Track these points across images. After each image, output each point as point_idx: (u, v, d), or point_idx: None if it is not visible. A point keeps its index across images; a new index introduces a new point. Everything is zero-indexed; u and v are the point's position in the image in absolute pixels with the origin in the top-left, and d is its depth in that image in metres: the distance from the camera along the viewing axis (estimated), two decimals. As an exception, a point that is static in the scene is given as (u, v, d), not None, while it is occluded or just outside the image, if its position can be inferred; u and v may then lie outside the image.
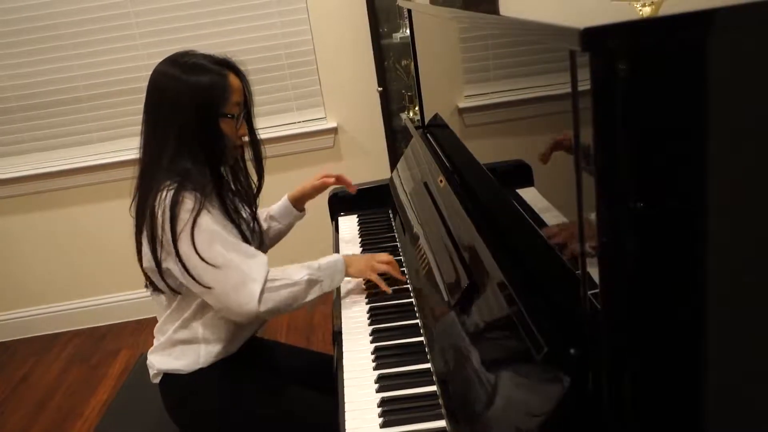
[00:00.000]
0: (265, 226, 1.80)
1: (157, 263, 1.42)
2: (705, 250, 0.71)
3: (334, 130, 3.13)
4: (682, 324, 0.74)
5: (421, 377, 1.22)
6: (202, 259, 1.38)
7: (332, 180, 1.89)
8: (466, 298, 1.13)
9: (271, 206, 1.88)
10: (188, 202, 1.38)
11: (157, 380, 1.58)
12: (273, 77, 3.03)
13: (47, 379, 2.91)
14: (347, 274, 1.57)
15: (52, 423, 2.59)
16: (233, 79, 1.48)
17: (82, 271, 3.26)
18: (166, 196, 1.39)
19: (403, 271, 1.64)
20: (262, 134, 1.62)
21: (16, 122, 3.05)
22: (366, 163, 3.17)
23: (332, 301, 1.62)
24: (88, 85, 3.01)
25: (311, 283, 1.48)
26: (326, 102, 3.11)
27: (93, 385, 2.81)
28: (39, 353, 3.14)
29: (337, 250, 1.92)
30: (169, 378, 1.55)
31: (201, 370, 1.53)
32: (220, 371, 1.55)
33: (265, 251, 1.69)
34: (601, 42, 0.62)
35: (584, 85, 0.68)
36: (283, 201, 1.87)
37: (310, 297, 1.50)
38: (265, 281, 1.42)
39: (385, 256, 1.62)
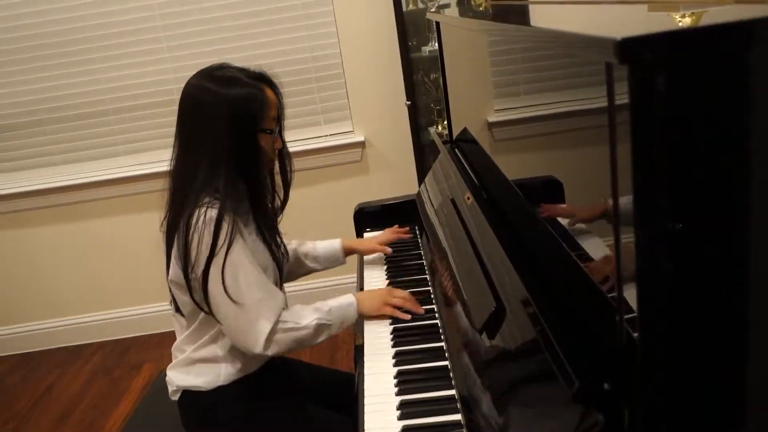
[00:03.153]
0: (290, 257, 1.76)
1: (186, 278, 1.40)
2: (750, 274, 0.66)
3: (361, 144, 3.10)
4: (727, 356, 0.68)
5: (445, 404, 1.16)
6: (225, 291, 1.37)
7: (389, 251, 1.86)
8: (492, 323, 1.08)
9: (316, 245, 1.83)
10: (225, 226, 1.36)
11: (176, 397, 1.55)
12: (300, 90, 3.01)
13: (71, 390, 2.91)
14: (361, 312, 1.53)
15: (74, 435, 2.58)
16: (269, 93, 1.45)
17: (108, 282, 3.27)
18: (206, 214, 1.36)
19: (428, 292, 1.60)
20: (289, 147, 1.59)
21: (45, 134, 3.07)
22: (393, 177, 3.13)
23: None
24: (115, 98, 3.02)
25: (320, 327, 1.47)
26: (354, 115, 3.09)
27: (115, 398, 2.80)
28: (63, 365, 3.15)
29: (361, 266, 1.88)
30: (189, 395, 1.53)
31: (221, 387, 1.50)
32: (240, 389, 1.52)
33: (283, 279, 1.65)
34: (641, 54, 0.57)
35: (621, 98, 0.63)
36: (335, 248, 1.83)
37: (319, 340, 1.48)
38: (276, 323, 1.41)
39: (401, 292, 1.57)
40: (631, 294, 0.69)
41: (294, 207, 1.83)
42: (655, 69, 0.58)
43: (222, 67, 1.46)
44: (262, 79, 1.47)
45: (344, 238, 1.87)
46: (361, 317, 1.54)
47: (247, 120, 1.41)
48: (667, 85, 0.59)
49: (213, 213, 1.37)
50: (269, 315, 1.40)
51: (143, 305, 3.29)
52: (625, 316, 0.71)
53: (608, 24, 0.77)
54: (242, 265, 1.39)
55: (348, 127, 3.11)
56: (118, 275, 3.25)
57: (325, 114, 3.08)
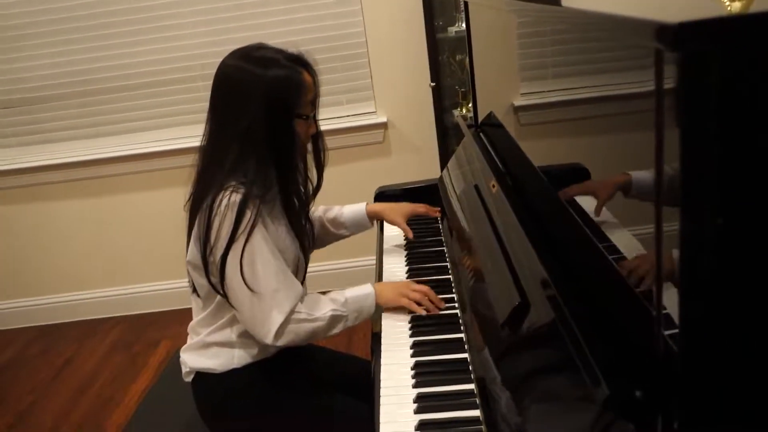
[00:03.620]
0: (315, 226, 1.73)
1: (204, 261, 1.38)
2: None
3: (384, 125, 3.06)
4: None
5: (464, 399, 1.13)
6: (242, 278, 1.34)
7: (411, 235, 1.81)
8: (515, 318, 1.04)
9: (342, 210, 1.80)
10: (248, 212, 1.33)
11: (189, 378, 1.54)
12: (323, 69, 2.90)
13: (90, 364, 2.93)
14: (378, 304, 1.49)
15: (91, 408, 2.60)
16: (307, 77, 1.42)
17: (129, 257, 3.28)
18: (230, 198, 1.33)
19: (449, 281, 1.56)
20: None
21: (70, 108, 3.07)
22: (415, 160, 3.08)
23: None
24: (141, 73, 3.00)
25: (335, 319, 1.43)
26: (377, 96, 3.04)
27: (133, 373, 2.81)
28: (83, 338, 3.17)
29: (380, 252, 1.85)
30: (202, 377, 1.51)
31: (235, 370, 1.49)
32: (255, 373, 1.50)
33: (311, 251, 1.62)
34: (695, 41, 0.52)
35: (668, 86, 0.58)
36: (361, 214, 1.80)
37: (333, 331, 1.44)
38: (290, 313, 1.38)
39: (421, 287, 1.50)
40: (667, 293, 0.65)
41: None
42: (709, 57, 0.53)
43: (260, 48, 1.42)
44: (299, 62, 1.43)
45: (369, 202, 1.84)
46: (379, 309, 1.51)
47: (283, 104, 1.37)
48: (720, 74, 0.55)
49: (237, 197, 1.34)
50: (283, 306, 1.37)
51: (163, 281, 3.30)
52: (663, 312, 0.67)
53: (647, 6, 0.72)
54: (261, 253, 1.36)
55: (371, 108, 3.06)
56: (139, 250, 3.26)
57: (348, 94, 3.03)
